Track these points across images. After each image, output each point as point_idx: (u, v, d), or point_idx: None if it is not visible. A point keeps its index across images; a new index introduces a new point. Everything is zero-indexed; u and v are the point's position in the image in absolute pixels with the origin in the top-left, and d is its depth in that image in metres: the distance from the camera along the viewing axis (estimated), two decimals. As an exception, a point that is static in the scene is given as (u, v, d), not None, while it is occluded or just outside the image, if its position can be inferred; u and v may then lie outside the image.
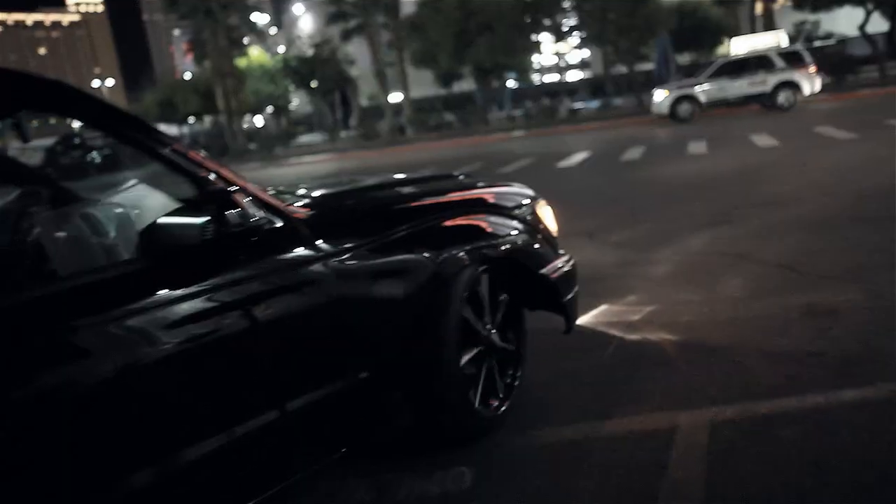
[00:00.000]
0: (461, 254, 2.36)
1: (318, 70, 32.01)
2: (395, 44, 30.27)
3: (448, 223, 2.47)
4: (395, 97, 34.82)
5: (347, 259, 2.08)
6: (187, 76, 50.24)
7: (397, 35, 30.22)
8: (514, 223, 2.69)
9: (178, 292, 1.69)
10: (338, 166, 20.90)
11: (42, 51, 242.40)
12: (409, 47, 30.80)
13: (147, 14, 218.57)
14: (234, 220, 1.75)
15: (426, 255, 2.29)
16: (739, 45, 20.63)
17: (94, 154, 41.75)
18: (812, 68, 17.78)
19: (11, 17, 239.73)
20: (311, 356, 2.01)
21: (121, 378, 1.58)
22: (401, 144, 27.80)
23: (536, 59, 48.15)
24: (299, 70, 32.71)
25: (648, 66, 46.89)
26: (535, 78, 53.93)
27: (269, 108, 43.53)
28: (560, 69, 74.19)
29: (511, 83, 40.72)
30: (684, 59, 32.16)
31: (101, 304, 1.59)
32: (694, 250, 4.91)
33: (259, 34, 35.95)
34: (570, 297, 2.83)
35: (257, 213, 1.86)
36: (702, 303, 3.68)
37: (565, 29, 33.23)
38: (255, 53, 43.73)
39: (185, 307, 1.68)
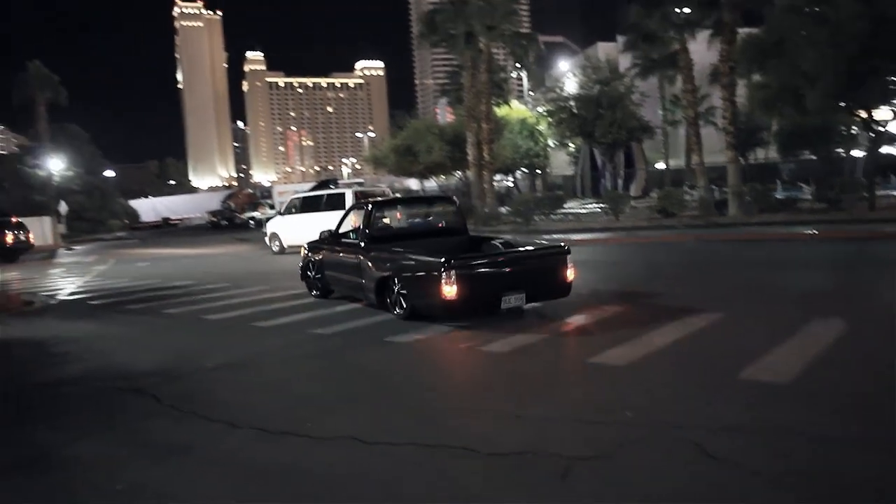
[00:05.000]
0: None
1: (607, 114, 22.86)
2: (724, 75, 20.23)
3: None
4: (664, 161, 24.46)
5: None
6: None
7: (728, 63, 20.19)
8: None
9: None
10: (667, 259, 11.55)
11: (329, 109, 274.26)
12: (750, 81, 20.47)
13: (419, 79, 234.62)
14: None
15: None
16: None
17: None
18: None
19: (311, 80, 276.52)
20: None
21: None
22: (726, 228, 17.86)
23: None
24: (579, 113, 23.84)
25: None
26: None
27: (519, 172, 36.07)
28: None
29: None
30: None
31: None
32: None
33: (527, 69, 28.26)
34: None
35: None
36: None
37: None
38: (515, 106, 36.81)
39: None
